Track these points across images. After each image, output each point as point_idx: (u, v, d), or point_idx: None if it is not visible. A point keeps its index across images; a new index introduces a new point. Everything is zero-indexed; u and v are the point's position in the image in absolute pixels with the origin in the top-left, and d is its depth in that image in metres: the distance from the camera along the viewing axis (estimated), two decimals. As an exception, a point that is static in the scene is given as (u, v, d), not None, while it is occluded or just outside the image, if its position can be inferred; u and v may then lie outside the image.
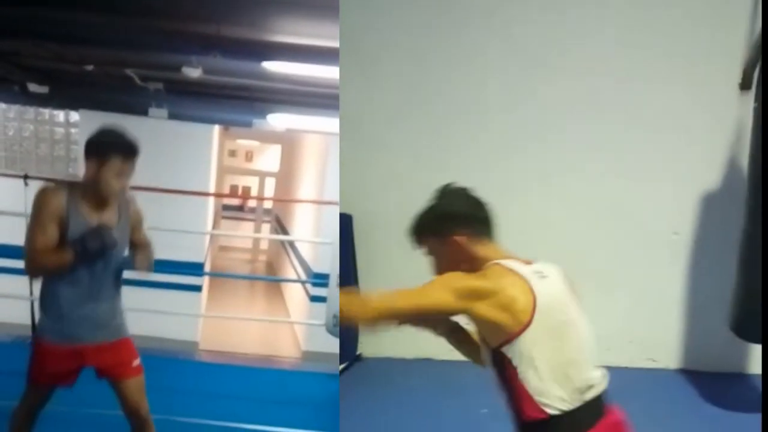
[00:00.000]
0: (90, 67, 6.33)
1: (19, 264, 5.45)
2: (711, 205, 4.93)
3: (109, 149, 2.83)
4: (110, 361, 3.04)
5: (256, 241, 17.28)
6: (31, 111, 9.15)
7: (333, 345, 5.10)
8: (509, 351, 1.90)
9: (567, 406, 1.87)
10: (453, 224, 2.13)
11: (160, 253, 7.94)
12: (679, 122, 5.00)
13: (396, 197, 5.09)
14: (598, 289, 4.93)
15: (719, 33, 4.88)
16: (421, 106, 5.46)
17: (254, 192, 18.71)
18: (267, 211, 18.17)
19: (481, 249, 2.12)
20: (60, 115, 9.20)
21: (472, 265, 2.08)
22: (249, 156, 18.49)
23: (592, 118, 5.15)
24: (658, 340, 5.17)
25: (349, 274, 5.35)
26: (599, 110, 5.14)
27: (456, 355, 5.26)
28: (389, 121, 5.53)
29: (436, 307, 1.99)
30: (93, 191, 2.89)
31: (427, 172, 5.21)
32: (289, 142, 13.96)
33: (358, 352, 5.45)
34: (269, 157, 17.29)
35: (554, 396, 1.87)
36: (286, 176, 15.08)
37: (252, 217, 19.07)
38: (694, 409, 4.38)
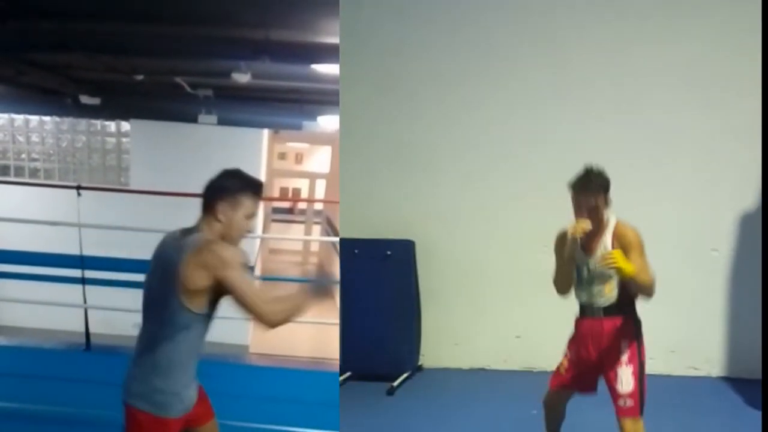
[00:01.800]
0: (140, 77, 6.37)
1: (74, 273, 5.55)
2: (746, 223, 5.22)
3: (242, 190, 2.58)
4: (202, 409, 2.88)
5: (307, 243, 17.32)
6: (83, 122, 9.28)
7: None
8: None
9: None
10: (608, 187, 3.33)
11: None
12: (713, 148, 5.21)
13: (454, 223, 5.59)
14: (644, 302, 5.12)
15: (743, 60, 5.08)
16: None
17: (304, 194, 18.71)
18: (317, 213, 18.18)
19: None
20: (111, 125, 9.31)
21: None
22: (299, 158, 18.55)
23: (628, 142, 5.32)
24: (700, 349, 5.38)
25: (411, 300, 5.56)
26: (638, 131, 5.32)
27: (508, 366, 5.54)
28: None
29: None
30: (224, 236, 2.59)
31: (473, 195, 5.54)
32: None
33: (419, 363, 5.67)
34: (319, 159, 17.29)
35: None
36: (336, 177, 15.02)
37: (302, 220, 19.10)
38: (734, 414, 4.58)
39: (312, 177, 17.77)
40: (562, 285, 3.46)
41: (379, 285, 5.44)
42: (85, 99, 7.44)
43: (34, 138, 9.43)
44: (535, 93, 5.50)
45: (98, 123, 9.32)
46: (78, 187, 5.38)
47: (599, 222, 3.28)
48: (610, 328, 3.37)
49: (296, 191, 19.85)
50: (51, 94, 7.57)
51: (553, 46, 5.47)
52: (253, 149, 9.31)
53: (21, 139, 9.41)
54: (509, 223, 5.56)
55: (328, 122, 7.93)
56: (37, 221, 6.61)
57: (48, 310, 7.63)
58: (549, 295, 5.41)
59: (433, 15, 5.65)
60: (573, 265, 3.38)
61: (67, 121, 9.29)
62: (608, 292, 3.36)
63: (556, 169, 5.33)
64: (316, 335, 9.85)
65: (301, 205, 20.18)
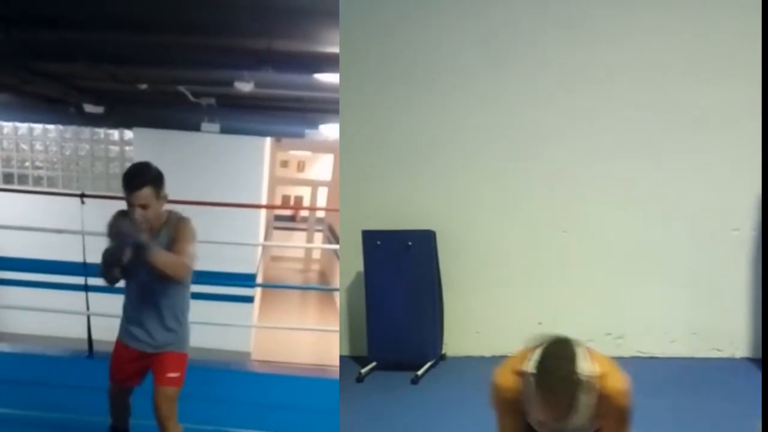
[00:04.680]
0: (144, 86, 6.39)
1: (77, 280, 5.58)
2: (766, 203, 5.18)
3: (122, 183, 3.13)
4: (154, 368, 3.33)
5: (309, 250, 17.35)
6: (86, 131, 9.32)
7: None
8: None
9: None
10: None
11: (214, 265, 8.04)
12: (732, 128, 5.22)
13: (473, 212, 5.74)
14: (664, 284, 5.34)
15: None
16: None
17: (306, 202, 18.76)
18: (319, 221, 18.21)
19: None
20: (115, 133, 9.36)
21: None
22: (301, 166, 18.61)
23: (649, 124, 5.41)
24: (722, 331, 5.38)
25: (433, 289, 5.63)
26: (659, 112, 5.39)
27: None
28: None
29: None
30: None
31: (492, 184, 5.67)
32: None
33: (442, 352, 5.79)
34: (322, 167, 17.34)
35: None
36: (338, 185, 15.04)
37: (304, 227, 19.14)
38: (757, 394, 4.39)
39: (314, 185, 17.81)
40: None
41: (401, 275, 5.48)
42: (89, 108, 7.47)
43: (38, 146, 9.48)
44: (549, 86, 5.58)
45: (102, 131, 9.37)
46: (82, 195, 5.42)
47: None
48: None
49: (298, 199, 19.89)
50: (55, 103, 7.60)
51: (570, 38, 5.51)
52: (256, 157, 9.35)
53: (25, 147, 9.47)
54: (528, 209, 5.65)
55: (330, 130, 7.96)
56: (41, 229, 6.65)
57: (51, 317, 7.66)
58: (569, 279, 5.60)
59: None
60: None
61: (70, 130, 9.33)
62: None
63: (572, 157, 5.57)
64: (317, 342, 9.87)
65: (303, 213, 20.20)
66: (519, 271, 5.61)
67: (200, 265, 8.07)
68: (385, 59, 5.89)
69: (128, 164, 9.50)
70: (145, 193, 3.10)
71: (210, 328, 6.83)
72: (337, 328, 6.12)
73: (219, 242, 6.87)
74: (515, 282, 5.63)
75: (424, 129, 5.87)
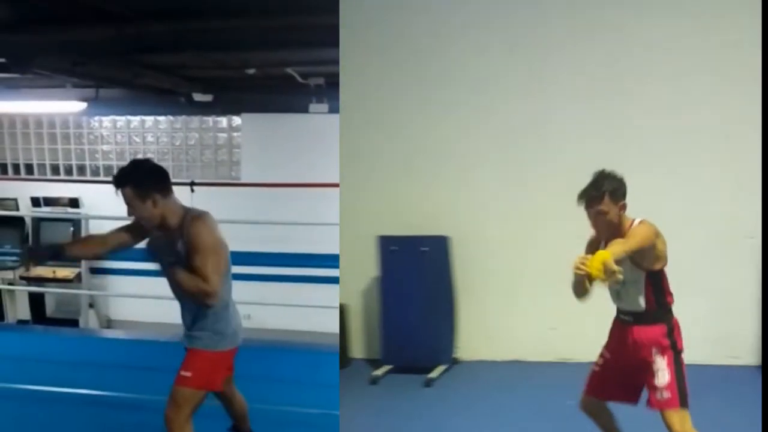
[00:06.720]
0: (251, 71, 6.38)
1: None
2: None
3: None
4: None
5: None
6: (195, 120, 9.40)
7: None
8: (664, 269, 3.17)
9: None
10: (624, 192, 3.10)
11: (304, 248, 7.86)
12: (748, 134, 5.04)
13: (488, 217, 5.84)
14: (682, 292, 5.09)
15: None
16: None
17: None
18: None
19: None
20: (223, 121, 9.41)
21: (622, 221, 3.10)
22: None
23: (665, 138, 5.48)
24: (739, 338, 5.37)
25: (447, 294, 5.83)
26: (667, 131, 5.49)
27: (543, 357, 5.69)
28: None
29: (644, 245, 2.99)
30: None
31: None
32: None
33: (455, 356, 5.88)
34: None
35: None
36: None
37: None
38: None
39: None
40: (575, 293, 3.29)
41: (416, 280, 5.62)
42: (198, 96, 7.54)
43: (150, 138, 9.64)
44: (570, 88, 5.65)
45: (210, 119, 9.43)
46: (191, 184, 5.45)
47: (609, 226, 3.11)
48: (639, 336, 3.20)
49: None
50: (166, 94, 7.71)
51: (593, 44, 5.60)
52: (365, 136, 9.21)
53: (137, 139, 9.65)
54: (542, 215, 5.63)
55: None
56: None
57: (161, 304, 7.78)
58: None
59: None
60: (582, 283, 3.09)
61: (180, 120, 9.44)
62: (635, 300, 3.20)
63: (589, 162, 5.31)
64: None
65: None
66: (534, 275, 5.59)
67: (295, 248, 7.96)
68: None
69: (236, 150, 9.66)
70: (126, 192, 3.04)
71: (296, 309, 6.87)
72: (337, 305, 6.21)
73: (327, 224, 6.82)
74: (530, 287, 5.66)
75: (438, 132, 6.00)
